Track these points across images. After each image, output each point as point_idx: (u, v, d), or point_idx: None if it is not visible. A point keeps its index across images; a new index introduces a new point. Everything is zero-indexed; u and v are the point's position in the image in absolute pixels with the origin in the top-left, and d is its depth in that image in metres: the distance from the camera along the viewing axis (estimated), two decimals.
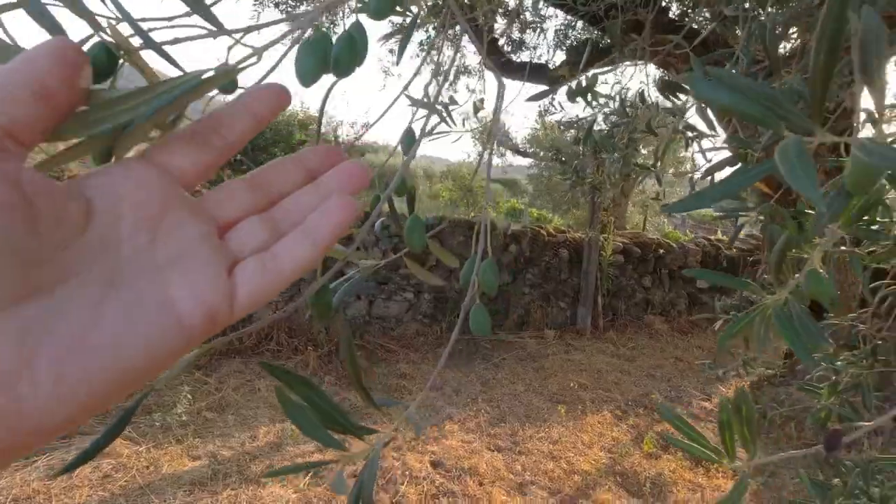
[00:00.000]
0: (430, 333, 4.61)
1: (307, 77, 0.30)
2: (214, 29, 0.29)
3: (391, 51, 4.75)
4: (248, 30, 0.31)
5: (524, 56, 4.45)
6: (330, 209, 0.28)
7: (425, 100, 0.77)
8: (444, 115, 0.81)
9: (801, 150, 0.19)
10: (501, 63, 4.20)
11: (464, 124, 0.89)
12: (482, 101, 0.88)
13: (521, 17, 3.97)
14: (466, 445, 3.04)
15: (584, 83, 0.91)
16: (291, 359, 3.95)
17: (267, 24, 0.31)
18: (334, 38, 0.35)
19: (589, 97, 0.93)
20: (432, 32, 4.42)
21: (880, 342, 0.97)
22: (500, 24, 4.19)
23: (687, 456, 3.15)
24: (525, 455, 2.98)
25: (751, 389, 3.88)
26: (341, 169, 0.30)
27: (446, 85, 4.98)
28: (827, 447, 0.32)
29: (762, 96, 0.20)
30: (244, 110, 0.28)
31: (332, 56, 0.31)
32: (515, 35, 4.39)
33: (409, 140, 0.52)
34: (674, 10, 3.04)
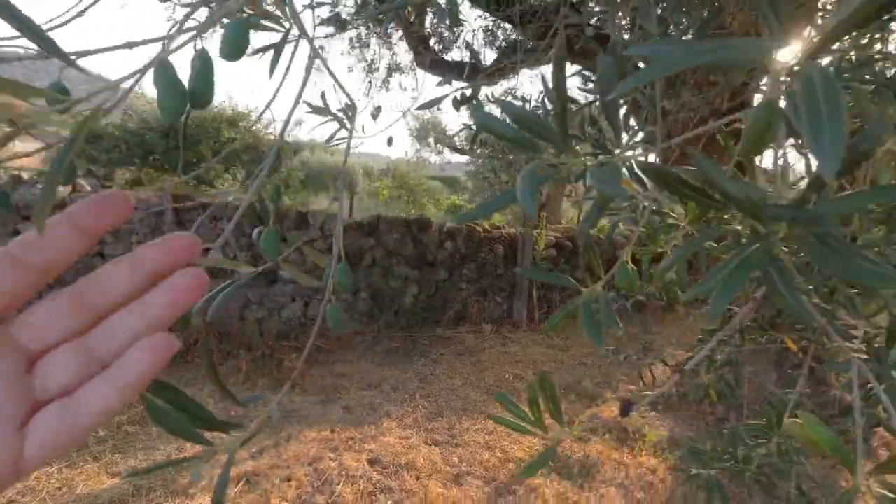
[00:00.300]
0: (367, 332, 4.59)
1: (172, 116, 0.30)
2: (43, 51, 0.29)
3: (321, 47, 4.67)
4: (81, 55, 0.32)
5: (455, 54, 4.51)
6: (137, 356, 0.25)
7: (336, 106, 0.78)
8: (345, 121, 0.82)
9: (532, 172, 0.23)
10: (432, 61, 4.24)
11: (363, 130, 0.91)
12: (379, 108, 0.90)
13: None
14: (404, 441, 3.06)
15: (468, 92, 0.95)
16: (223, 364, 3.81)
17: (103, 50, 0.32)
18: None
19: (474, 105, 0.98)
20: (363, 31, 4.38)
21: (749, 323, 1.08)
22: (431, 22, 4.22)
23: (614, 437, 3.35)
24: (462, 447, 3.05)
25: (673, 371, 4.17)
26: (172, 284, 0.27)
27: (378, 83, 4.91)
28: (621, 413, 0.37)
29: (533, 124, 0.24)
30: (68, 223, 0.25)
31: (189, 90, 0.32)
32: (446, 33, 4.44)
33: (274, 155, 0.53)
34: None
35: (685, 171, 0.23)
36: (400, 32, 4.34)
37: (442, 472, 2.77)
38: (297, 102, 0.39)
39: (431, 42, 4.43)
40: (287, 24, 0.47)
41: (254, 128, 7.12)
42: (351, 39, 4.25)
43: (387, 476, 2.68)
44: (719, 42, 0.16)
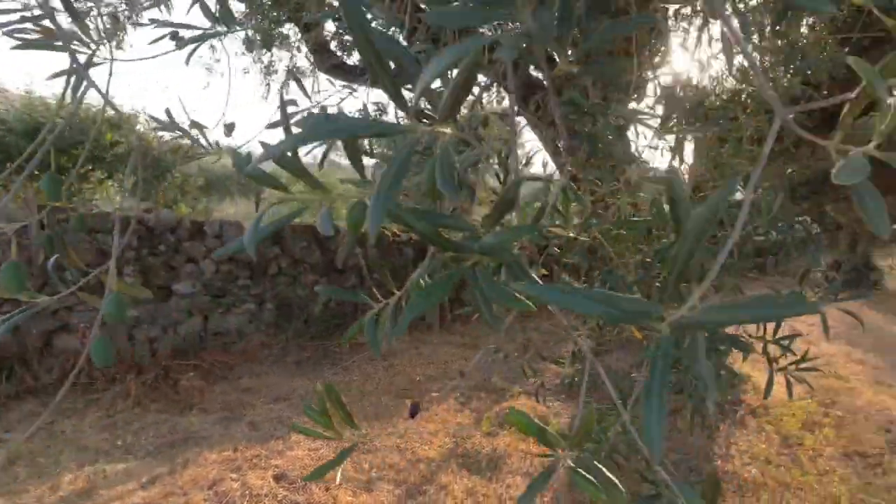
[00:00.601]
0: (274, 344, 4.42)
1: None
2: None
3: (212, 47, 4.43)
4: None
5: (357, 57, 4.48)
6: None
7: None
8: (198, 136, 0.80)
9: (258, 220, 0.26)
10: (333, 65, 4.18)
11: (218, 145, 0.89)
12: (233, 124, 0.89)
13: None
14: (313, 453, 2.99)
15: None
16: (108, 390, 3.49)
17: None
18: None
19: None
20: (253, 32, 4.21)
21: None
22: (330, 25, 4.15)
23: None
24: (372, 453, 3.04)
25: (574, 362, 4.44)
26: None
27: (277, 87, 4.73)
28: (410, 413, 0.41)
29: (286, 164, 0.26)
30: None
31: None
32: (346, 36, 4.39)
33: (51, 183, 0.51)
34: None
35: (415, 210, 0.27)
36: (299, 35, 4.24)
37: (352, 480, 2.75)
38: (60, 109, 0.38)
39: (332, 45, 4.36)
40: (92, 47, 0.46)
41: (141, 131, 6.58)
42: (245, 39, 4.06)
43: (294, 491, 2.61)
44: (376, 121, 0.19)
